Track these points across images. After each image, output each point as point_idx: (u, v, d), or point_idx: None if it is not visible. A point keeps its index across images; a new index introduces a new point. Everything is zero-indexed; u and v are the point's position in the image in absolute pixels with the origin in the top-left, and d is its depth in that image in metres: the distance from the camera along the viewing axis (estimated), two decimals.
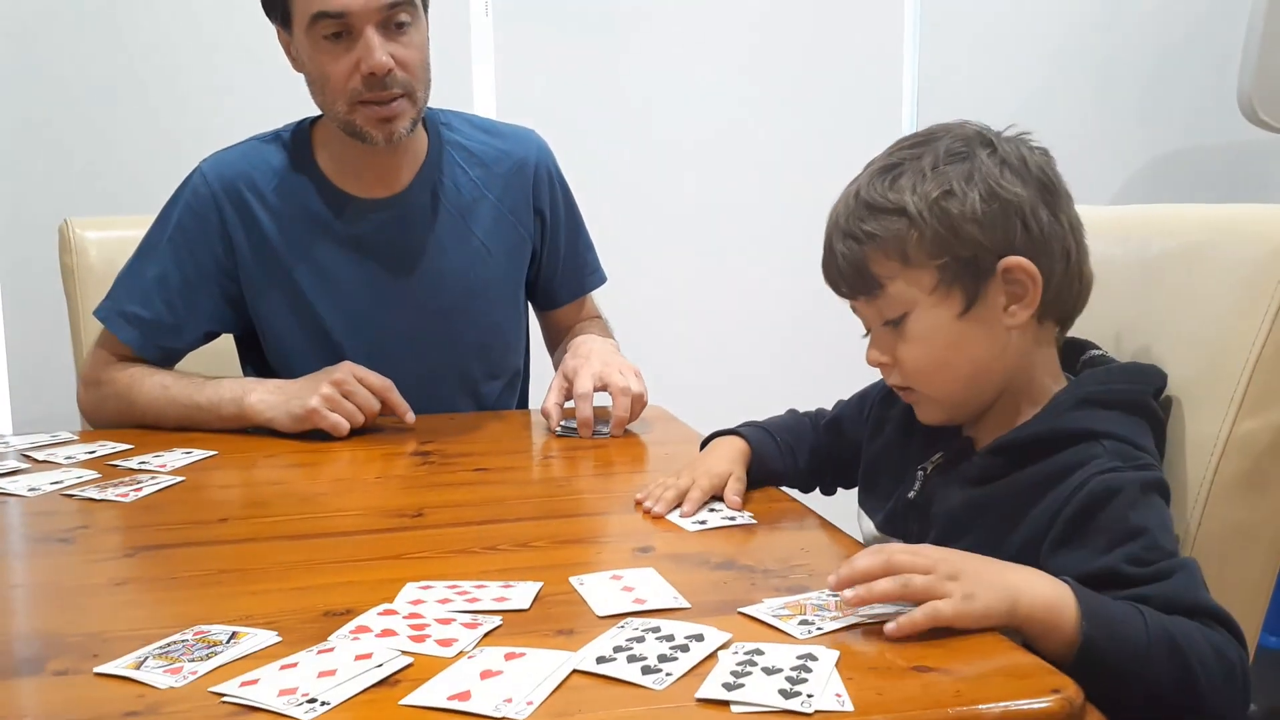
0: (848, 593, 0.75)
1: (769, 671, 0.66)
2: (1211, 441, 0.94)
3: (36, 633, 0.79)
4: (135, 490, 1.13)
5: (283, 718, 0.63)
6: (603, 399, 1.39)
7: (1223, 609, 0.79)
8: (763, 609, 0.77)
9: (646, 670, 0.67)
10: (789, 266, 2.26)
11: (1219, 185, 2.64)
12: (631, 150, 2.42)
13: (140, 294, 1.46)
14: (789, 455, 1.16)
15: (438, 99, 1.48)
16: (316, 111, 1.47)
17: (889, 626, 0.72)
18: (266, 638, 0.73)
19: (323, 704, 0.64)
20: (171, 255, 1.46)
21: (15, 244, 2.14)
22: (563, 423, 1.39)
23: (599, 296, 1.72)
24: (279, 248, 1.46)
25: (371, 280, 1.48)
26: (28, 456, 1.28)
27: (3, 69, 2.12)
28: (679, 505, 1.02)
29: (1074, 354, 1.02)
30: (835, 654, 0.68)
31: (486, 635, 0.73)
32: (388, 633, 0.73)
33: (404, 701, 0.64)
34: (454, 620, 0.75)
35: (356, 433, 1.34)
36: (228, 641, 0.72)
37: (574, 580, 0.83)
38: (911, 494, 1.01)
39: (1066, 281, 0.95)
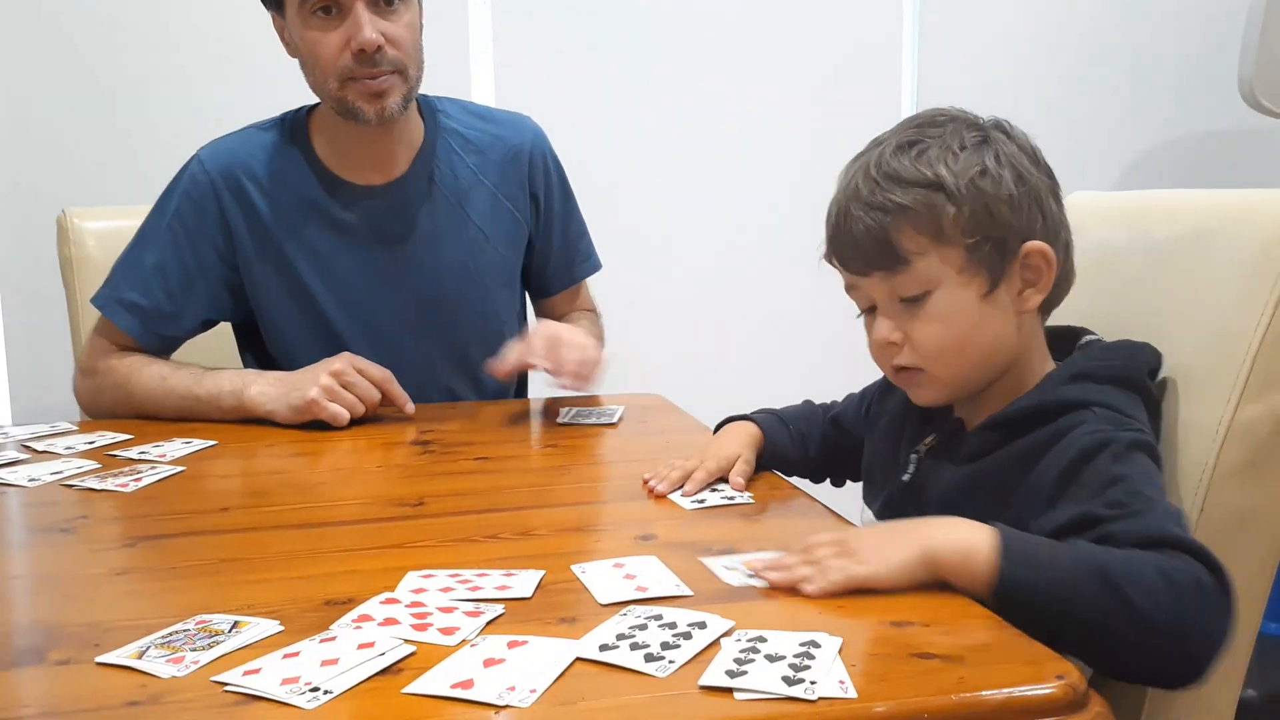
0: (771, 574, 0.79)
1: (772, 659, 0.66)
2: (1214, 427, 0.93)
3: (38, 623, 0.79)
4: (135, 480, 1.13)
5: (286, 706, 0.62)
6: (604, 400, 1.39)
7: (1193, 540, 0.76)
8: (718, 562, 0.83)
9: (649, 658, 0.67)
10: (788, 257, 2.25)
11: (1221, 171, 2.64)
12: (629, 141, 2.42)
13: (139, 282, 1.45)
14: (800, 444, 1.16)
15: (436, 87, 1.48)
16: (314, 100, 1.46)
17: (808, 588, 0.76)
18: (268, 627, 0.73)
19: (325, 692, 0.63)
20: (170, 243, 1.45)
21: (13, 234, 2.13)
22: (567, 410, 1.39)
23: (596, 288, 1.72)
24: (277, 235, 1.46)
25: (369, 266, 1.48)
26: (27, 447, 1.28)
27: (1, 60, 2.11)
28: (682, 485, 1.03)
29: (1070, 340, 1.02)
30: (838, 641, 0.68)
31: (489, 624, 0.73)
32: (390, 621, 0.73)
33: (407, 690, 0.64)
34: (456, 609, 0.75)
35: (356, 422, 1.34)
36: (230, 631, 0.72)
37: (576, 568, 0.83)
38: (906, 477, 1.01)
39: (1065, 270, 0.97)
